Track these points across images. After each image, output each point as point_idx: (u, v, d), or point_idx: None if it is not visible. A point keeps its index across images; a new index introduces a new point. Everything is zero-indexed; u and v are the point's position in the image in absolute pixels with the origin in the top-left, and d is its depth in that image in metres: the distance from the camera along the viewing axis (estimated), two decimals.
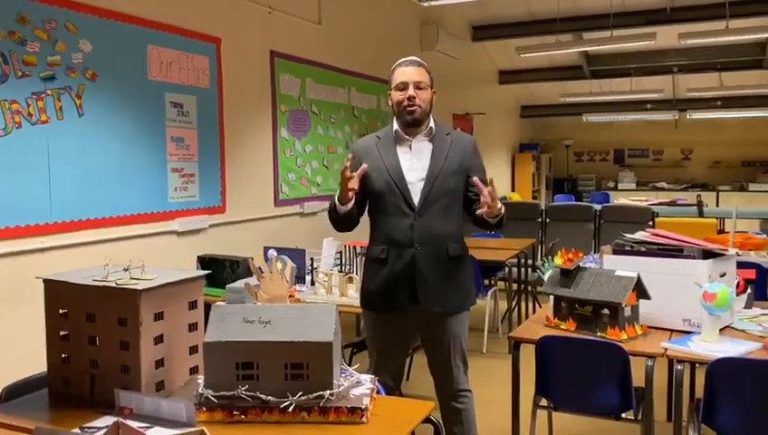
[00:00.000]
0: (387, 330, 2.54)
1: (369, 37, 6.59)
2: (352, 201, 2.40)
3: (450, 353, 2.50)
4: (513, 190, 11.98)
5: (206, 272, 1.98)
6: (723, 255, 2.63)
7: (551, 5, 7.72)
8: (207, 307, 1.75)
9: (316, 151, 5.74)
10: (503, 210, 2.38)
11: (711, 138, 12.26)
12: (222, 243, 4.48)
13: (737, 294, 2.71)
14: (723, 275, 2.60)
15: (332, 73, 5.95)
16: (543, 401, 2.62)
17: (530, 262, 5.42)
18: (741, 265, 3.04)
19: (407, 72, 2.46)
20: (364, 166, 2.37)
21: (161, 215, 4.07)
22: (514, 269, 5.19)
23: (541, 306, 4.45)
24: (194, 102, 4.31)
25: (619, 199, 9.22)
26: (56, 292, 1.77)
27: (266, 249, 3.59)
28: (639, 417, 2.45)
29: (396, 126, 2.52)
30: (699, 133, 12.31)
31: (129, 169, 3.84)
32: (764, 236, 4.79)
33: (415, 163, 2.48)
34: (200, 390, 1.61)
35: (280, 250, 3.53)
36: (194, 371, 1.84)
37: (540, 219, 7.36)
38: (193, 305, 1.84)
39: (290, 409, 1.57)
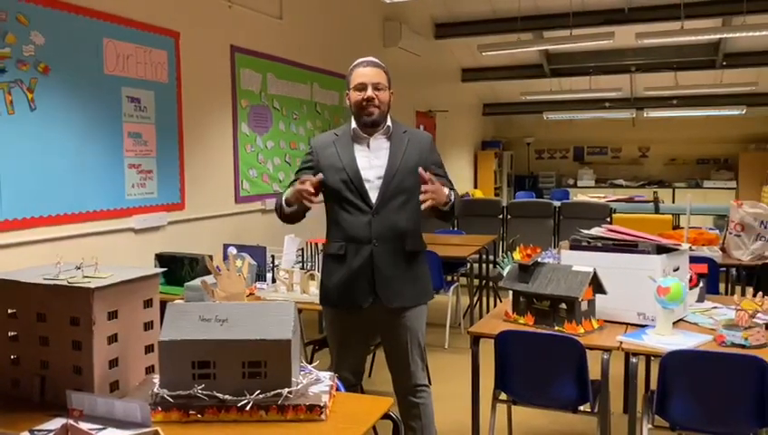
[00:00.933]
0: (346, 326, 2.55)
1: (331, 33, 6.56)
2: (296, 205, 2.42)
3: (408, 349, 2.52)
4: (475, 187, 12.07)
5: (162, 270, 1.95)
6: (676, 250, 2.70)
7: (512, 4, 7.80)
8: (165, 306, 1.72)
9: (278, 147, 5.69)
10: (452, 196, 2.40)
11: (667, 136, 12.55)
12: (181, 240, 4.41)
13: (690, 288, 2.78)
14: (676, 270, 2.67)
15: (294, 69, 5.91)
16: (503, 396, 2.65)
17: (491, 258, 5.48)
18: (694, 259, 3.12)
19: (365, 73, 2.47)
20: (320, 176, 2.37)
21: (118, 212, 3.98)
22: (476, 265, 5.23)
23: (502, 301, 4.50)
24: (152, 97, 4.23)
25: (578, 196, 9.38)
26: (5, 291, 1.72)
27: (226, 247, 3.55)
28: (596, 409, 2.49)
29: (354, 125, 2.53)
30: (656, 131, 12.59)
31: (84, 166, 3.75)
32: (717, 231, 4.93)
33: (373, 161, 2.49)
34: (155, 389, 1.58)
35: (240, 247, 3.49)
36: (150, 370, 1.81)
37: (501, 216, 7.44)
38: (148, 304, 1.81)
39: (247, 407, 1.55)
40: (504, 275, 2.80)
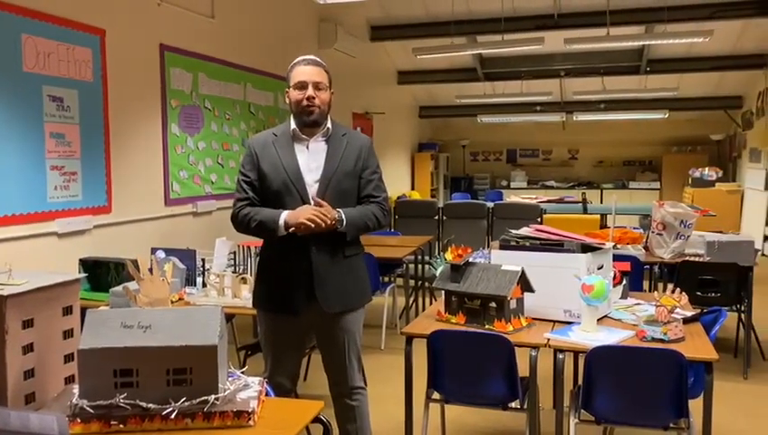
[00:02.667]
0: (283, 330, 2.51)
1: (265, 33, 6.48)
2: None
3: (345, 351, 2.50)
4: (412, 189, 12.17)
5: (83, 275, 1.88)
6: (600, 248, 2.79)
7: (446, 8, 7.90)
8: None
9: (210, 148, 5.58)
10: (338, 221, 2.37)
11: (595, 139, 12.98)
12: (108, 245, 4.26)
13: (613, 286, 2.88)
14: (600, 268, 2.76)
15: (227, 69, 5.80)
16: (436, 395, 2.67)
17: (427, 258, 5.53)
18: (618, 257, 3.24)
19: (306, 72, 2.44)
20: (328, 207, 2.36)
21: (39, 215, 3.81)
22: (412, 266, 5.27)
23: (437, 301, 4.54)
24: (75, 96, 4.07)
25: (511, 197, 9.57)
26: None
27: (154, 250, 3.45)
28: (525, 406, 2.55)
29: (293, 125, 2.50)
30: (584, 134, 13.00)
31: (2, 166, 3.57)
32: (641, 230, 5.13)
33: (311, 164, 2.46)
34: (74, 400, 1.52)
35: (169, 251, 3.40)
36: (70, 380, 1.74)
37: (437, 217, 7.52)
38: (68, 311, 1.74)
39: (172, 416, 1.51)
40: (437, 275, 2.83)
